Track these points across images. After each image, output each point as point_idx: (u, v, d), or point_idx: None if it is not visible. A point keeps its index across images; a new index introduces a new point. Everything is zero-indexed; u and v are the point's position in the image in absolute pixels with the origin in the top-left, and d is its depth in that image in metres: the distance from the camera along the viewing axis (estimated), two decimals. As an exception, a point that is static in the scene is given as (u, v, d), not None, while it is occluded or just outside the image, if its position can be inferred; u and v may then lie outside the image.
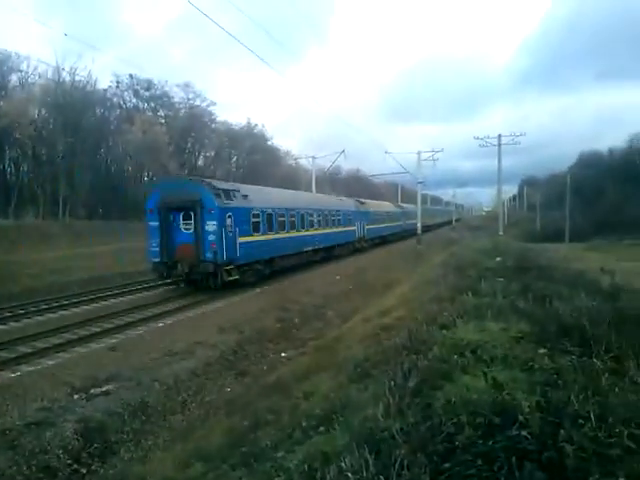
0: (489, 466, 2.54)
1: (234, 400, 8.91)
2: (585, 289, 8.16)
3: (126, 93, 48.72)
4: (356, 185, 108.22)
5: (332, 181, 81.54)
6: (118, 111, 47.68)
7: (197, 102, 53.58)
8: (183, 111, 53.12)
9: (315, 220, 28.34)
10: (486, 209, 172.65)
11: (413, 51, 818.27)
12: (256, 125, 60.89)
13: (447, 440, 2.89)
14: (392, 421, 3.40)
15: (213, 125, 56.20)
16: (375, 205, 45.31)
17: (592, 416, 2.86)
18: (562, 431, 2.72)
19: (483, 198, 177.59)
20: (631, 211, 47.81)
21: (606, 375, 3.75)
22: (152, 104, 50.37)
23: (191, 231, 18.48)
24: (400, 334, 6.97)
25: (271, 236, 22.28)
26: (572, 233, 51.21)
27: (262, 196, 23.12)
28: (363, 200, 41.69)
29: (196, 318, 14.97)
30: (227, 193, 19.27)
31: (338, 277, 23.61)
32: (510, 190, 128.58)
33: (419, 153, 46.47)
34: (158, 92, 50.25)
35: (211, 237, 18.06)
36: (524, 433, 2.74)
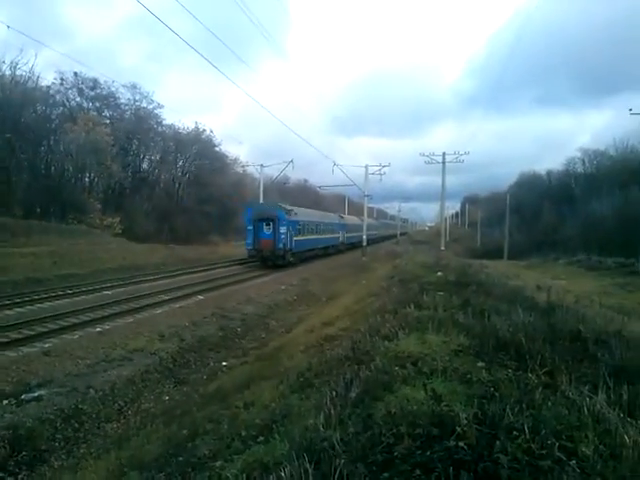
0: (427, 476, 2.57)
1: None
2: (522, 305, 8.40)
3: (70, 91, 46.87)
4: (303, 195, 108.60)
5: (280, 190, 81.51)
6: (61, 109, 45.99)
7: (144, 104, 52.26)
8: (129, 112, 51.81)
9: (322, 229, 43.15)
10: (429, 224, 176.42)
11: (363, 67, 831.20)
12: (204, 130, 59.63)
13: (386, 450, 2.91)
14: (333, 431, 3.40)
15: (160, 128, 54.90)
16: (349, 219, 58.64)
17: (526, 428, 2.94)
18: (497, 442, 2.79)
19: (427, 213, 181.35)
20: (566, 231, 49.86)
21: (540, 389, 3.86)
22: (97, 104, 48.62)
23: (270, 232, 31.85)
24: (343, 344, 7.02)
25: (305, 237, 36.78)
26: (511, 250, 52.97)
27: (302, 213, 37.64)
28: (342, 215, 57.16)
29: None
30: (288, 212, 33.32)
31: (283, 287, 23.57)
32: (453, 206, 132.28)
33: (366, 167, 47.26)
34: (104, 92, 48.58)
35: (282, 236, 31.68)
36: (461, 444, 2.79)
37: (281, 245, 31.65)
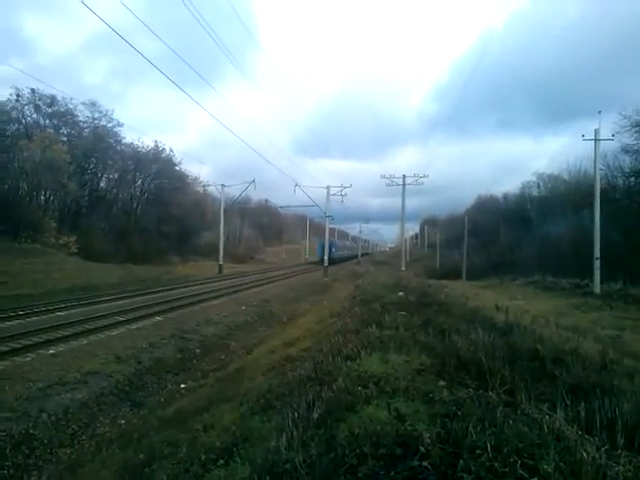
0: (391, 497, 2.55)
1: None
2: (481, 325, 8.50)
3: (27, 108, 45.94)
4: (265, 216, 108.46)
5: (241, 210, 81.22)
6: (16, 126, 44.86)
7: (103, 122, 51.21)
8: (87, 130, 50.67)
9: (339, 247, 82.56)
10: (390, 245, 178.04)
11: (330, 89, 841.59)
12: (164, 149, 58.84)
13: (350, 471, 2.88)
14: (295, 453, 3.34)
15: (119, 147, 53.84)
16: (340, 241, 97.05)
17: (488, 446, 2.95)
18: (461, 461, 2.79)
19: (388, 234, 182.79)
20: (522, 253, 50.96)
21: (501, 407, 3.88)
22: (54, 121, 47.59)
23: (330, 250, 54.73)
24: (305, 365, 6.96)
25: (337, 253, 76.89)
26: (469, 271, 53.89)
27: (338, 240, 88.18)
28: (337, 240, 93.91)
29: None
30: (335, 242, 78.90)
31: (244, 308, 23.35)
32: (413, 228, 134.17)
33: (328, 188, 47.75)
34: (62, 109, 47.61)
35: (333, 253, 65.67)
36: (425, 464, 2.78)
37: (333, 256, 66.16)
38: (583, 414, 4.03)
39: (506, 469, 2.74)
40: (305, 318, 18.41)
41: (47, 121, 47.39)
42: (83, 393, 10.54)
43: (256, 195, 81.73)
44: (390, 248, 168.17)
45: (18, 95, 44.19)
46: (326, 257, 48.30)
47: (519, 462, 2.81)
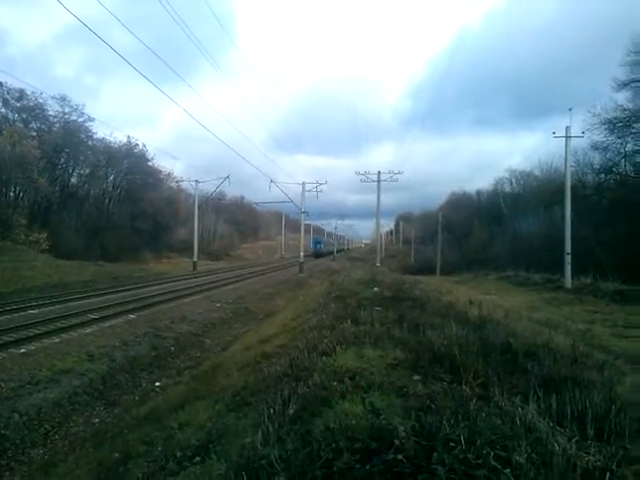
0: (367, 490, 2.57)
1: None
2: (455, 319, 8.60)
3: (-6, 102, 44.88)
4: (240, 212, 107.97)
5: (215, 206, 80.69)
6: (-17, 120, 43.79)
7: (74, 117, 50.40)
8: (58, 125, 49.74)
9: (325, 243, 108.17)
10: (365, 241, 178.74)
11: (306, 85, 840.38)
12: (136, 144, 58.00)
13: (326, 465, 2.89)
14: (271, 448, 3.34)
15: (90, 142, 53.04)
16: (325, 239, 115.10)
17: (462, 439, 2.99)
18: (435, 454, 2.82)
19: (363, 231, 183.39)
20: (495, 248, 51.68)
21: (474, 400, 3.93)
22: (23, 115, 46.67)
23: (316, 245, 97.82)
24: (281, 361, 6.96)
25: (323, 248, 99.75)
26: (443, 267, 54.49)
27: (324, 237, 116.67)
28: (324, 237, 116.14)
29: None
30: (322, 239, 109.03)
31: (218, 305, 23.21)
32: (388, 224, 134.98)
33: (303, 184, 47.75)
34: (31, 103, 46.70)
35: (318, 247, 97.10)
36: (400, 457, 2.80)
37: (317, 250, 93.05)
38: (554, 406, 4.10)
39: (479, 460, 2.77)
40: (281, 314, 18.38)
41: (16, 115, 46.47)
42: (55, 392, 10.37)
43: (231, 191, 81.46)
44: (365, 244, 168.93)
45: (-15, 89, 43.24)
46: (301, 253, 48.41)
47: (492, 454, 2.85)
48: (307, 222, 68.22)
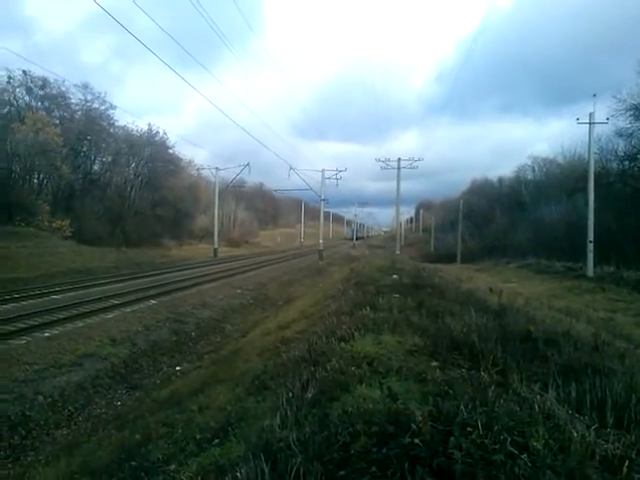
0: (383, 472, 2.58)
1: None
2: (475, 307, 8.55)
3: (18, 90, 45.29)
4: (260, 199, 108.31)
5: (236, 194, 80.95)
6: (7, 108, 44.29)
7: (96, 104, 50.63)
8: (80, 113, 49.95)
9: (359, 231, 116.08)
10: (385, 229, 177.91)
11: (331, 71, 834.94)
12: (157, 132, 58.27)
13: (343, 449, 2.91)
14: (289, 431, 3.37)
15: (112, 129, 53.34)
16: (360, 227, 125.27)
17: (479, 424, 2.98)
18: (452, 438, 2.82)
19: (383, 219, 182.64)
20: (517, 236, 51.09)
21: (492, 387, 3.92)
22: (46, 103, 46.98)
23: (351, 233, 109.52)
24: (299, 346, 7.00)
25: (358, 234, 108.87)
26: (464, 255, 54.02)
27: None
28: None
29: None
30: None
31: (239, 291, 23.38)
32: (408, 212, 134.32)
33: (323, 171, 47.72)
34: (54, 91, 47.06)
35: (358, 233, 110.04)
36: (416, 441, 2.81)
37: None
38: (574, 394, 4.08)
39: (496, 446, 2.77)
40: (300, 301, 18.45)
41: (39, 103, 46.83)
42: (79, 375, 10.60)
43: (251, 179, 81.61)
44: (385, 232, 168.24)
45: (9, 77, 43.65)
46: (321, 241, 48.47)
47: (509, 439, 2.84)
48: (326, 209, 67.84)
